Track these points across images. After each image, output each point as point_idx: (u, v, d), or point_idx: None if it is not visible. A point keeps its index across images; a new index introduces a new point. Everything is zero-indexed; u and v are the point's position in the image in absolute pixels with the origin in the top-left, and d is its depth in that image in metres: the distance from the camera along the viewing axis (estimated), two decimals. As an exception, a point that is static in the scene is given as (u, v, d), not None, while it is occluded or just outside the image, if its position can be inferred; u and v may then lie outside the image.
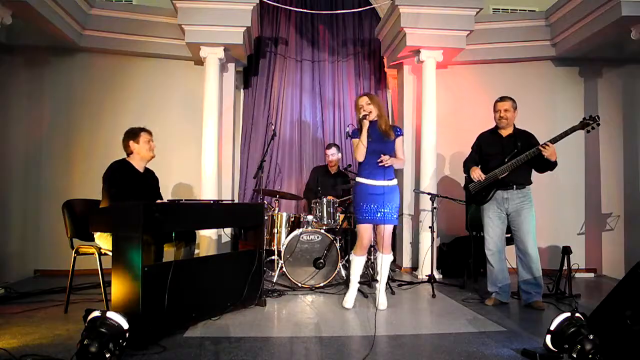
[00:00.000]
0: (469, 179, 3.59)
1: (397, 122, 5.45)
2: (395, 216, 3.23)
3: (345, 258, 4.20)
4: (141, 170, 3.24)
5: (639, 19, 3.84)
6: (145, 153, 3.22)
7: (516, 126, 3.51)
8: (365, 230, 3.21)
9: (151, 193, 3.28)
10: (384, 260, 3.26)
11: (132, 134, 3.21)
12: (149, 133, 3.28)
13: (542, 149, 3.16)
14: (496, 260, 3.46)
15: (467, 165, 3.64)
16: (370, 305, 3.37)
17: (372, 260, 4.10)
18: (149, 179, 3.32)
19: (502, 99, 3.49)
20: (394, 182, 3.25)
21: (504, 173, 3.34)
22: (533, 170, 3.45)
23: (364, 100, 3.22)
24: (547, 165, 3.27)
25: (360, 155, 3.16)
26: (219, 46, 4.47)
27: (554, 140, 3.18)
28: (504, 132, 3.49)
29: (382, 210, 3.16)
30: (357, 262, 3.29)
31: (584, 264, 4.90)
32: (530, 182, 3.43)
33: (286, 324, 2.92)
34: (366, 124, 3.15)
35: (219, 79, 4.64)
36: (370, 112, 3.18)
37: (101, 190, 3.11)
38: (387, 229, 3.22)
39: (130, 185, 3.08)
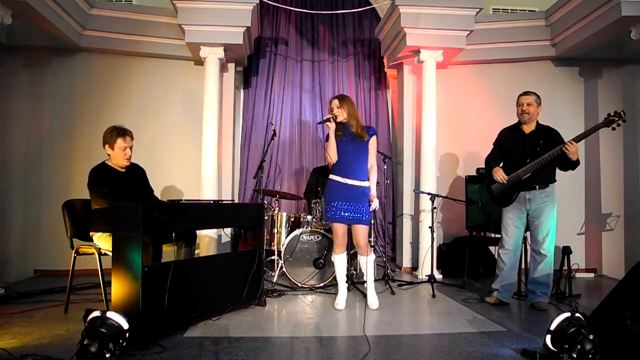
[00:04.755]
0: (490, 179, 3.48)
1: (397, 122, 5.46)
2: (367, 217, 3.23)
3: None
4: (122, 169, 3.21)
5: (639, 19, 3.83)
6: (119, 161, 3.16)
7: (539, 122, 3.41)
8: (339, 227, 3.26)
9: (137, 190, 3.25)
10: (367, 262, 3.29)
11: (109, 138, 3.11)
12: (127, 137, 3.15)
13: (565, 147, 3.08)
14: (510, 260, 3.41)
15: (490, 164, 3.53)
16: (367, 305, 3.36)
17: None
18: (133, 176, 3.29)
19: (526, 93, 3.38)
20: (366, 183, 3.28)
21: (526, 174, 3.25)
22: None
23: (335, 103, 3.29)
24: (570, 164, 3.19)
25: (330, 157, 3.25)
26: (219, 46, 4.47)
27: (578, 139, 3.10)
28: (527, 129, 3.38)
29: (353, 210, 3.19)
30: (339, 261, 3.33)
31: (584, 264, 4.90)
32: (554, 180, 3.35)
33: (286, 324, 2.92)
34: (331, 127, 3.22)
35: (219, 79, 4.64)
36: (337, 115, 3.24)
37: (90, 198, 3.10)
38: (362, 229, 3.24)
39: (114, 188, 3.05)
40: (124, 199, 2.99)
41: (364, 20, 5.75)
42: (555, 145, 3.16)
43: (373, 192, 3.30)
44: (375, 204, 3.27)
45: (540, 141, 3.26)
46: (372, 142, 3.32)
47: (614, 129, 3.11)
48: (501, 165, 3.51)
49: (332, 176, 3.29)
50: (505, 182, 3.34)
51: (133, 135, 3.23)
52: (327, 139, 3.31)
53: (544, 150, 3.19)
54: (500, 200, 3.48)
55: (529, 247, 3.61)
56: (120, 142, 3.12)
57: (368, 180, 3.30)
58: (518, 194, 3.37)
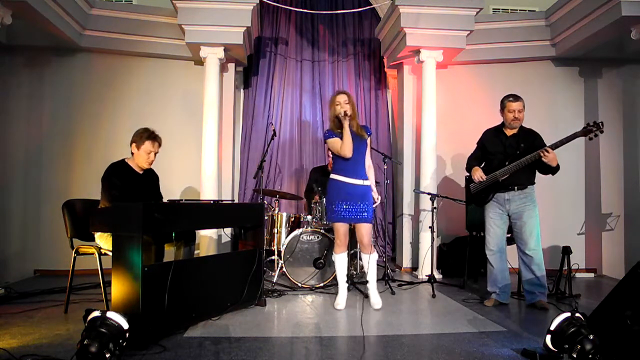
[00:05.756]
0: (470, 178, 3.56)
1: (397, 122, 5.46)
2: (370, 214, 3.25)
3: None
4: (140, 171, 3.22)
5: (639, 19, 3.84)
6: (141, 162, 3.17)
7: (522, 125, 3.43)
8: (341, 227, 3.27)
9: (150, 193, 3.26)
10: (369, 260, 3.29)
11: (138, 138, 3.13)
12: (156, 143, 3.17)
13: (542, 154, 3.12)
14: (497, 261, 3.44)
15: (470, 163, 3.60)
16: (370, 305, 3.36)
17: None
18: (148, 179, 3.30)
19: (516, 98, 3.37)
20: (368, 182, 3.30)
21: (504, 175, 3.31)
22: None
23: (343, 98, 3.25)
24: (549, 169, 3.23)
25: (349, 151, 3.16)
26: (219, 46, 4.47)
27: (555, 146, 3.13)
28: (509, 131, 3.42)
29: (357, 209, 3.20)
30: (339, 260, 3.33)
31: (584, 264, 4.90)
32: (532, 182, 3.39)
33: (286, 324, 2.92)
34: (346, 122, 3.17)
35: (219, 79, 4.64)
36: (346, 110, 3.21)
37: (100, 191, 3.11)
38: (365, 228, 3.25)
39: (128, 187, 3.05)
40: (135, 200, 2.99)
41: (364, 20, 5.74)
42: (535, 149, 3.20)
43: (374, 188, 3.34)
44: (378, 200, 3.33)
45: (520, 144, 3.31)
46: (369, 143, 3.36)
47: (591, 139, 3.11)
48: (482, 165, 3.55)
49: (334, 176, 3.28)
50: (483, 181, 3.39)
51: (161, 143, 3.24)
52: (326, 137, 3.27)
53: (524, 154, 3.24)
54: (477, 200, 3.54)
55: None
56: (147, 145, 3.13)
57: (368, 178, 3.32)
58: (494, 195, 3.42)
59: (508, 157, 3.33)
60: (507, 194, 3.37)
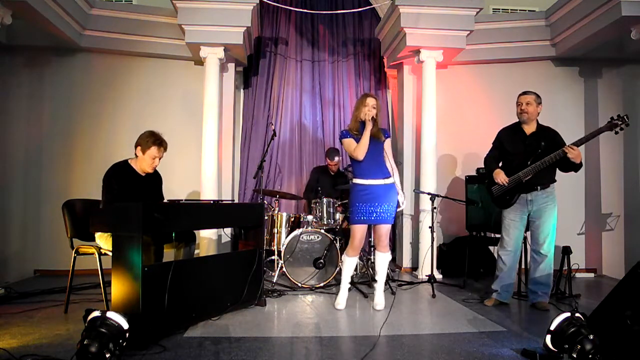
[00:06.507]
0: (490, 179, 3.45)
1: (397, 122, 5.46)
2: (392, 215, 3.22)
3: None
4: (142, 173, 3.20)
5: (639, 19, 3.84)
6: (144, 166, 3.14)
7: (539, 122, 3.38)
8: (359, 231, 3.22)
9: (151, 195, 3.24)
10: (383, 259, 3.28)
11: (144, 142, 3.08)
12: (161, 148, 3.13)
13: (567, 151, 3.06)
14: (510, 260, 3.39)
15: (489, 164, 3.49)
16: (369, 305, 3.37)
17: (373, 261, 4.10)
18: (150, 181, 3.27)
19: (525, 92, 3.35)
20: (391, 180, 3.25)
21: (527, 176, 3.22)
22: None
23: (372, 102, 3.21)
24: (572, 166, 3.18)
25: (362, 154, 3.14)
26: (219, 46, 4.47)
27: (580, 142, 3.09)
28: (527, 129, 3.34)
29: (380, 209, 3.16)
30: (350, 263, 3.30)
31: (584, 264, 4.90)
32: (554, 180, 3.33)
33: (286, 324, 2.92)
34: (369, 126, 3.15)
35: (219, 79, 4.64)
36: (374, 115, 3.19)
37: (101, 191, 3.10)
38: (385, 228, 3.24)
39: (128, 190, 3.03)
40: (135, 201, 2.97)
41: (364, 20, 5.74)
42: (556, 146, 3.15)
43: (399, 190, 3.28)
44: (403, 205, 3.31)
45: (541, 143, 3.23)
46: (388, 144, 3.30)
47: (616, 132, 3.09)
48: (500, 165, 3.47)
49: (355, 180, 3.24)
50: (507, 184, 3.31)
51: (167, 147, 3.20)
52: (341, 137, 3.26)
53: (545, 152, 3.17)
54: (501, 202, 3.44)
55: (528, 247, 3.60)
56: (153, 150, 3.09)
57: (391, 176, 3.26)
58: (519, 196, 3.34)
59: (529, 156, 3.24)
60: (529, 194, 3.31)
